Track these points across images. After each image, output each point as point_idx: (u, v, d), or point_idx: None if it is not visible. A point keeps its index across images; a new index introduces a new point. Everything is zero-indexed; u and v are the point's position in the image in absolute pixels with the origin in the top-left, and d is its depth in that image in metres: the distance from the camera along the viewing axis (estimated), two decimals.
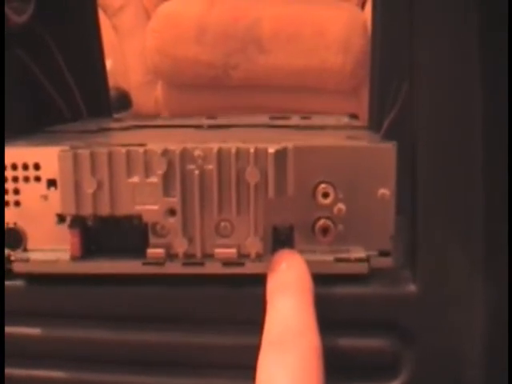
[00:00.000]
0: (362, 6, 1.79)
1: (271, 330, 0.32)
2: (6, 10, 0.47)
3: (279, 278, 0.34)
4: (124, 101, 1.79)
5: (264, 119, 0.52)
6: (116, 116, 0.77)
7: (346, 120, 0.53)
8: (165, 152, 0.35)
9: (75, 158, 0.36)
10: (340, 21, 1.65)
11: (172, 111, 1.78)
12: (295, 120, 0.52)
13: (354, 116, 0.56)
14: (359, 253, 0.37)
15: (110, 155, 0.36)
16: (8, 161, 0.37)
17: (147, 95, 1.88)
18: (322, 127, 0.47)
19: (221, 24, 1.68)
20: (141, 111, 1.85)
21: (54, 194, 0.37)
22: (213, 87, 1.73)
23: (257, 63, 1.65)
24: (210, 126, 0.49)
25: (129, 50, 1.90)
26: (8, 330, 0.39)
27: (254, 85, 1.70)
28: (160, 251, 0.36)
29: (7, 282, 0.39)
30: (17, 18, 0.49)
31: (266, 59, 1.65)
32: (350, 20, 1.66)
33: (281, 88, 1.69)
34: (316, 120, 0.52)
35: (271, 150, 0.35)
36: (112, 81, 0.69)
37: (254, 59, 1.65)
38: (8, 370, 0.39)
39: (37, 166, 0.37)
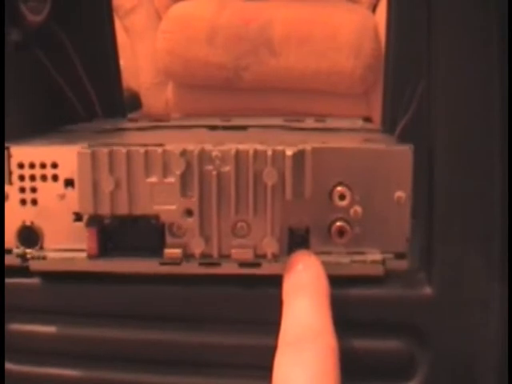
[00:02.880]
0: (373, 9, 1.79)
1: (288, 330, 0.32)
2: (23, 9, 0.47)
3: (295, 278, 0.35)
4: (134, 102, 1.80)
5: (279, 121, 0.52)
6: (129, 116, 0.77)
7: (360, 123, 0.53)
8: (183, 152, 0.35)
9: (94, 156, 0.36)
10: (351, 24, 1.65)
11: (183, 112, 1.78)
12: (310, 122, 0.52)
13: (367, 119, 0.56)
14: (375, 255, 0.37)
15: (129, 155, 0.36)
16: (26, 159, 0.38)
17: (157, 96, 1.88)
18: (337, 130, 0.47)
19: (232, 26, 1.68)
20: (151, 112, 1.85)
21: (71, 193, 0.37)
22: (224, 89, 1.73)
23: (268, 65, 1.66)
24: (225, 127, 0.49)
25: (139, 51, 1.90)
26: (23, 327, 0.40)
27: (264, 87, 1.70)
28: (177, 251, 0.36)
29: (24, 280, 0.39)
30: (34, 17, 0.49)
31: (277, 61, 1.65)
32: (361, 23, 1.66)
33: (291, 90, 1.69)
34: (331, 123, 0.52)
35: (289, 152, 0.35)
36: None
37: (265, 61, 1.65)
38: (22, 368, 0.40)
39: (54, 165, 0.38)
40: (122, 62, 0.68)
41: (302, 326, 0.32)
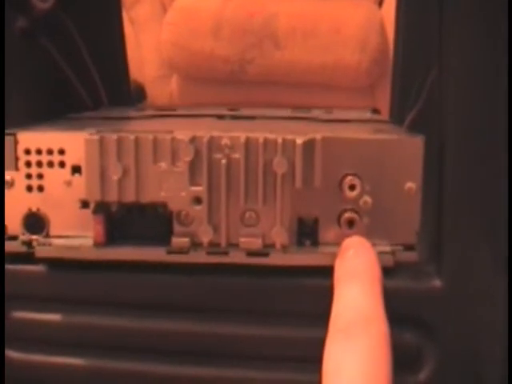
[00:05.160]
0: (380, 3, 1.79)
1: (339, 316, 0.31)
2: None
3: (348, 264, 0.34)
4: (139, 93, 1.79)
5: (287, 112, 0.52)
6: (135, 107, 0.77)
7: (368, 114, 0.53)
8: (192, 140, 0.35)
9: (102, 142, 0.35)
10: (357, 18, 1.65)
11: (187, 105, 1.78)
12: (318, 113, 0.52)
13: (376, 110, 0.56)
14: (384, 246, 0.37)
15: (137, 141, 0.35)
16: (32, 145, 0.37)
17: (162, 88, 1.88)
18: (346, 120, 0.47)
19: (237, 18, 1.67)
20: (155, 104, 1.84)
21: (78, 180, 0.37)
22: (228, 82, 1.72)
23: (272, 59, 1.65)
24: (234, 117, 0.49)
25: (144, 42, 1.89)
26: (28, 315, 0.39)
27: (269, 80, 1.69)
28: (185, 240, 0.36)
29: (29, 267, 0.39)
30: (41, 4, 0.49)
31: (282, 55, 1.65)
32: (366, 17, 1.65)
33: (296, 84, 1.69)
34: (339, 114, 0.52)
35: (299, 141, 0.35)
36: None
37: (270, 55, 1.65)
38: (27, 356, 0.40)
39: (61, 152, 0.37)
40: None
41: (354, 312, 0.31)
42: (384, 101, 0.63)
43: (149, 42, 1.89)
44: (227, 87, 1.74)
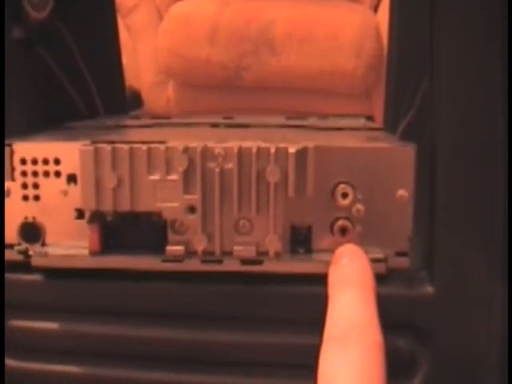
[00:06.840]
0: (375, 9, 1.79)
1: (334, 324, 0.32)
2: (26, 5, 0.47)
3: (341, 272, 0.34)
4: (135, 100, 1.80)
5: (281, 119, 0.52)
6: (131, 114, 0.77)
7: (362, 121, 0.53)
8: (186, 149, 0.35)
9: (96, 153, 0.36)
10: (353, 24, 1.65)
11: (183, 111, 1.78)
12: (312, 121, 0.52)
13: (370, 118, 0.56)
14: (377, 253, 0.37)
15: (132, 152, 0.36)
16: (28, 155, 0.38)
17: (158, 95, 1.88)
18: (339, 128, 0.47)
19: (233, 25, 1.68)
20: (152, 111, 1.85)
21: (74, 190, 0.37)
22: (225, 88, 1.73)
23: (269, 65, 1.65)
24: (228, 125, 0.49)
25: (141, 49, 1.90)
26: (25, 323, 0.40)
27: (265, 86, 1.70)
28: (179, 248, 0.36)
29: (25, 276, 0.39)
30: (36, 14, 0.49)
31: (278, 61, 1.65)
32: (362, 23, 1.65)
33: (292, 90, 1.69)
34: (333, 121, 0.52)
35: (292, 150, 0.35)
36: None
37: (267, 61, 1.65)
38: (24, 365, 0.40)
39: (57, 161, 0.38)
40: (123, 61, 0.68)
41: (347, 320, 0.31)
42: (381, 106, 0.63)
43: (145, 49, 1.89)
44: (224, 93, 1.74)
